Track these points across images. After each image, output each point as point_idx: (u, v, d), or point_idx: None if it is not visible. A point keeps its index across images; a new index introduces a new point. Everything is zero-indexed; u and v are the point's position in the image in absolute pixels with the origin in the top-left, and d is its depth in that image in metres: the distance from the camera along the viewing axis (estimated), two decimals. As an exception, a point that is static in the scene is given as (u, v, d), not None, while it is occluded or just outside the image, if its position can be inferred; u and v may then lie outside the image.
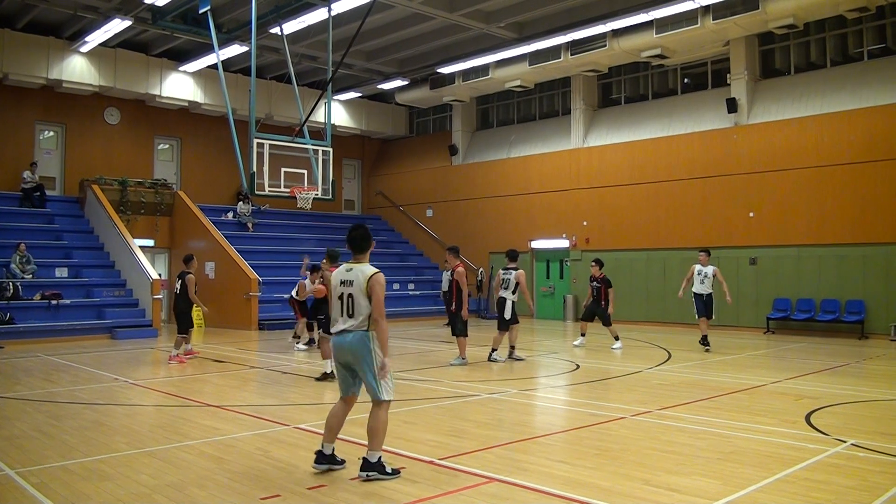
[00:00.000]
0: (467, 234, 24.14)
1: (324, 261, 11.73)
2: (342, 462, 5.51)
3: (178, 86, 21.80)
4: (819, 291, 16.93)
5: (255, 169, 15.08)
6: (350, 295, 5.39)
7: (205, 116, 23.38)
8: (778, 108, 18.03)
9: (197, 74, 22.00)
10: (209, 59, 20.47)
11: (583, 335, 14.71)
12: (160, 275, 19.31)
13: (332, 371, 9.93)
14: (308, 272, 13.47)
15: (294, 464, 5.74)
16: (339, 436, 5.61)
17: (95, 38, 18.78)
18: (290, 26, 17.74)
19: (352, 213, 28.06)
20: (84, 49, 19.51)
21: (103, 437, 6.74)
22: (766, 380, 10.05)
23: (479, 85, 22.34)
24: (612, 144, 21.00)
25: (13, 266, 16.67)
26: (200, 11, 16.47)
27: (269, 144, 15.36)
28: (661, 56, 18.63)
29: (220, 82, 17.07)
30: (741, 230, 18.17)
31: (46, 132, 21.17)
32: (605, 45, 18.57)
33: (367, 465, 5.27)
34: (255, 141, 15.18)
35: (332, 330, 5.50)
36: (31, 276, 16.88)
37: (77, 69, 19.90)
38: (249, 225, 23.01)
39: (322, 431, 5.60)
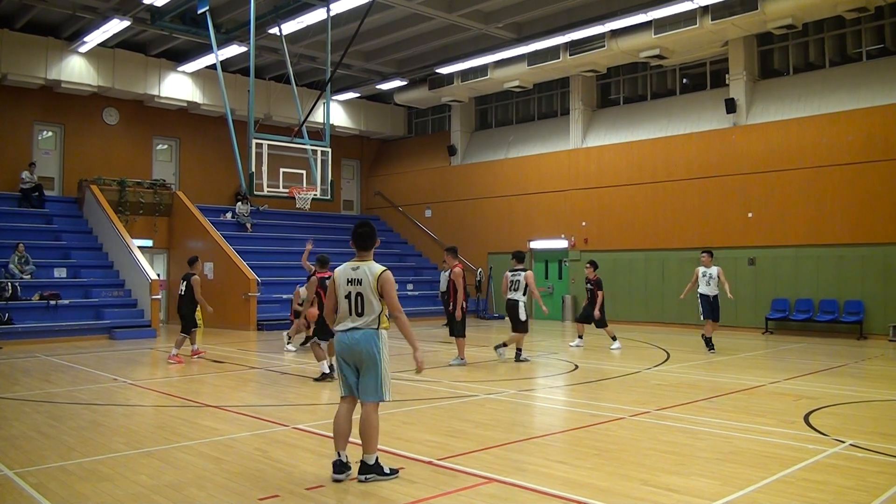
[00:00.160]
0: (466, 235, 24.15)
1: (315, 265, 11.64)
2: (350, 467, 5.39)
3: (177, 86, 21.80)
4: (818, 292, 16.95)
5: (253, 169, 15.08)
6: (359, 294, 5.32)
7: (203, 117, 23.38)
8: (777, 109, 18.05)
9: (196, 75, 22.00)
10: (208, 60, 20.46)
11: (580, 337, 14.70)
12: (159, 275, 19.31)
13: (330, 371, 9.95)
14: (310, 264, 13.18)
15: (293, 464, 5.73)
16: None
17: (94, 39, 18.78)
18: (289, 26, 17.75)
19: (350, 213, 28.06)
20: (83, 49, 19.50)
21: (102, 437, 6.74)
22: (765, 380, 10.06)
23: (477, 85, 22.35)
24: (611, 145, 21.02)
25: (12, 266, 16.65)
26: (199, 12, 16.48)
27: (268, 145, 15.37)
28: (659, 56, 18.64)
29: (219, 83, 17.08)
30: (740, 230, 18.18)
31: (45, 132, 21.15)
32: (604, 46, 18.58)
33: (365, 468, 5.24)
34: (254, 141, 15.19)
35: (339, 328, 5.39)
36: (29, 276, 16.86)
37: (76, 69, 19.89)
38: (248, 225, 23.00)
39: (320, 432, 5.58)
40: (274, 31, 18.03)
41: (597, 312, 14.22)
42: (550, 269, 22.53)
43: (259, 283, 19.17)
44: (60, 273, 17.79)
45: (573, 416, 8.07)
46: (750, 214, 18.03)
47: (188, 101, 22.14)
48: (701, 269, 13.46)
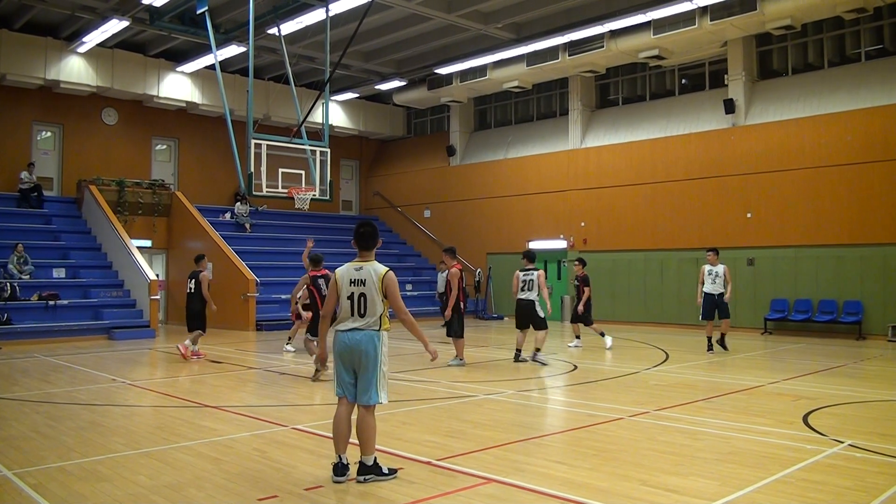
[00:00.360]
0: (465, 235, 24.15)
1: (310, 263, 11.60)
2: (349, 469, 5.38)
3: (176, 86, 21.79)
4: (816, 292, 16.96)
5: (252, 169, 15.08)
6: (362, 294, 5.30)
7: (202, 117, 23.37)
8: (775, 109, 18.06)
9: (194, 75, 21.99)
10: (207, 60, 20.45)
11: (577, 337, 14.70)
12: (157, 275, 19.30)
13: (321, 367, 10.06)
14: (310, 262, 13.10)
15: (292, 464, 5.73)
16: None
17: (93, 39, 18.77)
18: (288, 27, 17.74)
19: (349, 213, 28.06)
20: (81, 49, 19.49)
21: (101, 437, 6.73)
22: (764, 380, 10.06)
23: (476, 86, 22.35)
24: (610, 145, 21.02)
25: (10, 266, 16.65)
26: (198, 12, 16.46)
27: (267, 145, 15.36)
28: (658, 57, 18.64)
29: (218, 83, 17.06)
30: (739, 231, 18.19)
31: (44, 132, 21.14)
32: (603, 46, 18.58)
33: (364, 469, 5.24)
34: (253, 141, 15.18)
35: (340, 328, 5.34)
36: (28, 276, 16.86)
37: (75, 69, 19.88)
38: (247, 225, 23.00)
39: (319, 432, 5.57)
40: (273, 31, 18.03)
41: (580, 307, 14.25)
42: (549, 270, 22.49)
43: (258, 283, 19.17)
44: (59, 273, 17.78)
45: (572, 416, 8.07)
46: (749, 215, 18.04)
47: (187, 102, 22.14)
48: (707, 268, 13.35)
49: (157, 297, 17.82)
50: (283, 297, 19.57)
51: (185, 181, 23.33)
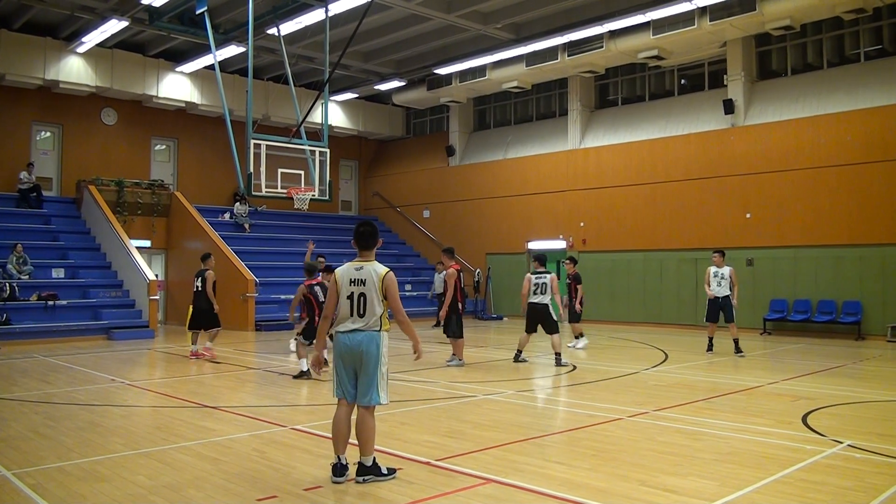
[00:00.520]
0: (464, 235, 24.16)
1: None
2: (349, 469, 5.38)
3: (175, 86, 21.78)
4: (816, 292, 16.96)
5: (251, 170, 15.08)
6: (362, 294, 5.29)
7: (202, 117, 23.37)
8: (775, 110, 18.06)
9: (194, 75, 21.98)
10: (206, 60, 20.44)
11: (576, 337, 14.68)
12: (157, 276, 19.29)
13: (307, 370, 10.18)
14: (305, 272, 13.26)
15: (291, 465, 5.73)
16: None
17: (92, 39, 18.77)
18: (287, 27, 17.73)
19: (349, 213, 28.06)
20: (81, 49, 19.49)
21: (100, 438, 6.73)
22: (763, 381, 10.07)
23: (476, 86, 22.35)
24: (609, 145, 21.02)
25: (10, 267, 16.63)
26: (197, 12, 16.46)
27: (266, 145, 15.36)
28: (657, 57, 18.65)
29: (217, 83, 17.06)
30: (738, 231, 18.19)
31: (43, 133, 21.13)
32: (602, 47, 18.58)
33: (363, 470, 5.24)
34: (252, 142, 15.18)
35: (340, 329, 5.33)
36: (27, 276, 16.84)
37: (74, 69, 19.88)
38: (246, 226, 22.99)
39: (318, 433, 5.57)
40: (272, 31, 18.02)
41: (577, 306, 14.27)
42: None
43: (257, 283, 19.16)
44: (58, 273, 17.77)
45: (571, 416, 8.06)
46: (748, 215, 18.05)
47: (186, 102, 22.13)
48: (712, 269, 13.12)
49: (157, 297, 17.81)
50: (283, 297, 19.58)
51: (184, 181, 23.33)
